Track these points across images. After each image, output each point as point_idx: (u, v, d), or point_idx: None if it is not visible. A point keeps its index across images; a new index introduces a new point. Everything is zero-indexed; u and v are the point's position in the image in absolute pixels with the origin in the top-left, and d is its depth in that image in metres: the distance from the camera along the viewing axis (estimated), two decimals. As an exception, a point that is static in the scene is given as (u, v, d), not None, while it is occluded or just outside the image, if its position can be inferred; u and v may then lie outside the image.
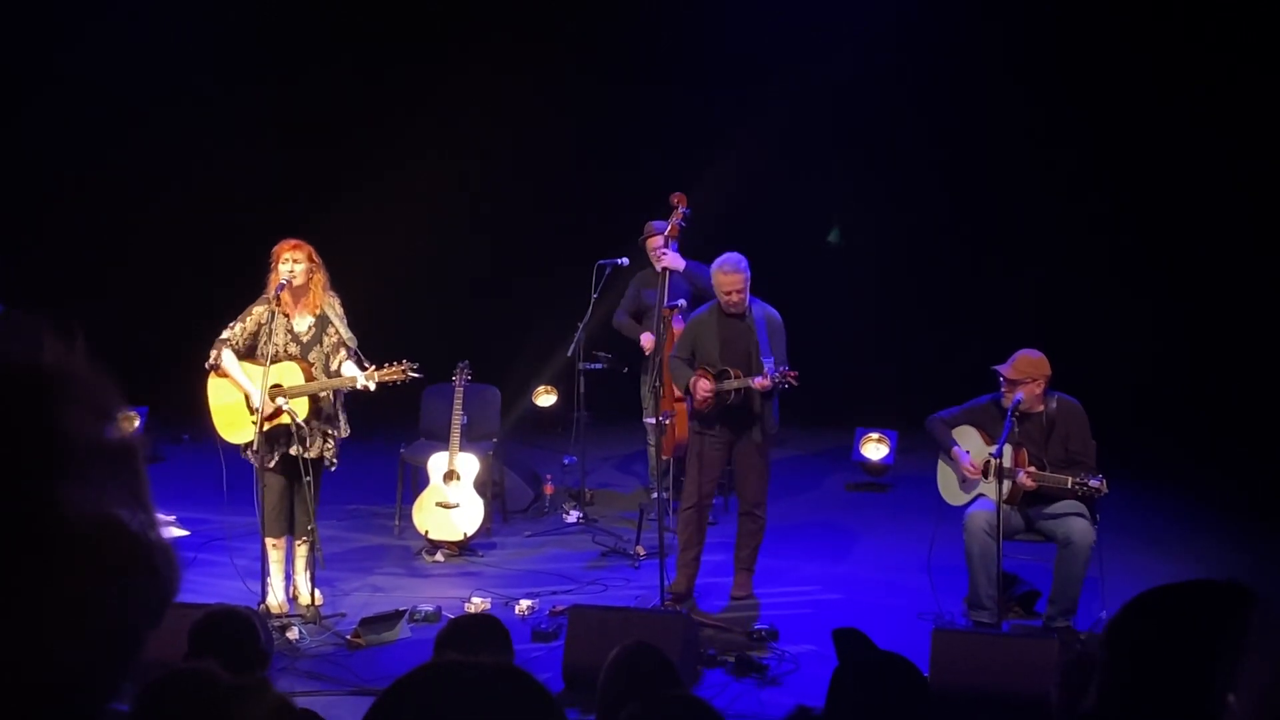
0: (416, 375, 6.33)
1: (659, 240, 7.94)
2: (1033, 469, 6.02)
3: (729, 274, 6.45)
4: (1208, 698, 1.32)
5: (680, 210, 7.86)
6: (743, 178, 10.85)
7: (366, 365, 6.29)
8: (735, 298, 6.45)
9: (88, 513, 0.82)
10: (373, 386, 6.22)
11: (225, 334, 6.30)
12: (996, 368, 6.23)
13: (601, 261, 8.21)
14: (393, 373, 6.24)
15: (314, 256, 6.32)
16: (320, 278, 6.35)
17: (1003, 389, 6.21)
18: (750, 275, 6.50)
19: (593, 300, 8.16)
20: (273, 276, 6.28)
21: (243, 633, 3.77)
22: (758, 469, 6.65)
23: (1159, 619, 1.47)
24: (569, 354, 8.41)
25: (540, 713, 1.38)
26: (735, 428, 6.57)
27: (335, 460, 6.44)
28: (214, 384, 6.36)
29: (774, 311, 6.63)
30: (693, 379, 6.48)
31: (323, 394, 6.32)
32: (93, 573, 0.82)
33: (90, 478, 0.83)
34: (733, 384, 6.41)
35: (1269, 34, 9.85)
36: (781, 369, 6.30)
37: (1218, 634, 1.37)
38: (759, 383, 6.31)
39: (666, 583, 6.38)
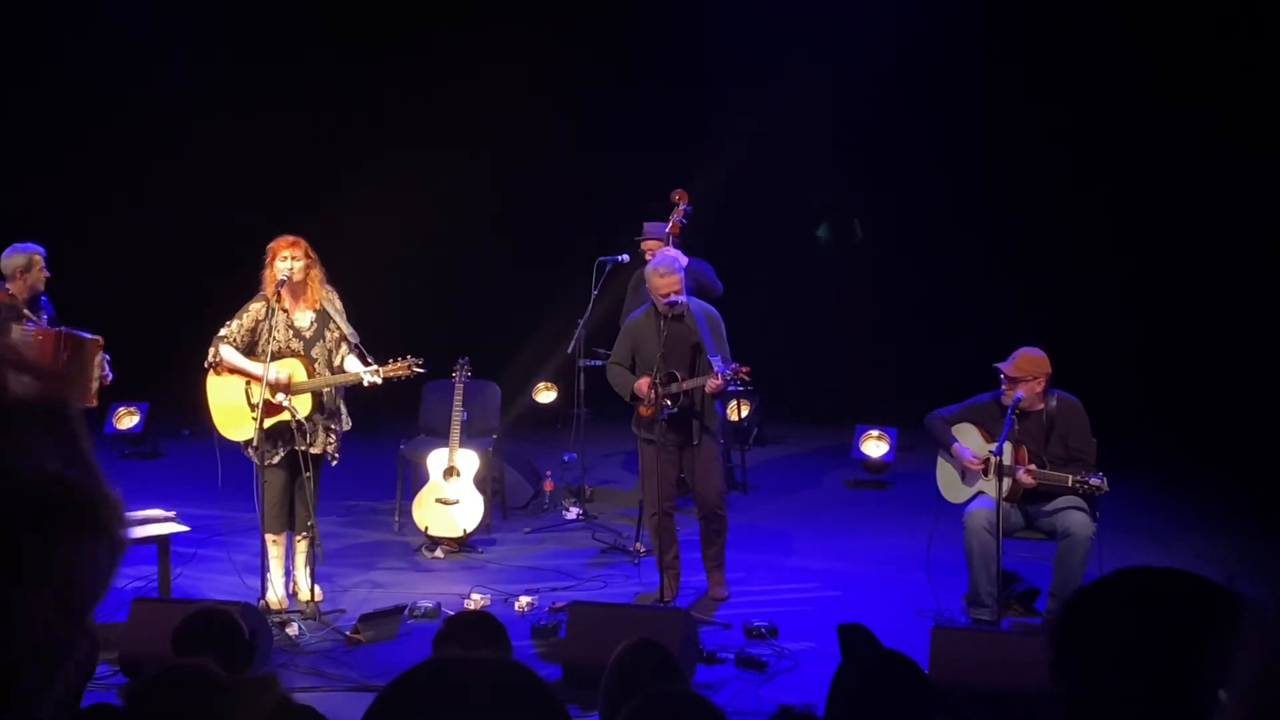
0: (421, 370, 6.35)
1: (652, 242, 7.94)
2: (1033, 466, 6.02)
3: (665, 275, 6.38)
4: (1188, 694, 1.30)
5: (681, 207, 7.84)
6: (743, 176, 10.86)
7: (370, 360, 6.29)
8: (675, 298, 6.39)
9: (30, 469, 0.82)
10: (379, 382, 6.23)
11: (223, 331, 6.30)
12: (998, 365, 6.23)
13: (602, 258, 8.21)
14: (398, 368, 6.26)
15: (310, 252, 6.32)
16: (317, 272, 6.36)
17: (1003, 387, 6.20)
18: (685, 275, 6.46)
19: (593, 297, 8.16)
20: (267, 273, 6.28)
21: (226, 630, 3.76)
22: (711, 467, 6.56)
23: (1110, 618, 1.41)
24: (569, 351, 8.41)
25: (541, 706, 1.38)
26: (683, 431, 6.51)
27: (337, 455, 6.45)
28: (213, 383, 6.35)
29: (711, 308, 6.58)
30: (640, 390, 6.42)
31: (325, 390, 6.33)
32: (43, 529, 0.82)
33: (26, 435, 0.83)
34: (684, 386, 6.35)
35: (1272, 32, 9.84)
36: (733, 366, 6.20)
37: (1188, 627, 1.34)
38: (712, 384, 6.24)
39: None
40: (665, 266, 6.44)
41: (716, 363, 6.22)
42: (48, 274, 6.80)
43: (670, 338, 6.44)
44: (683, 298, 6.44)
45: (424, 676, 1.36)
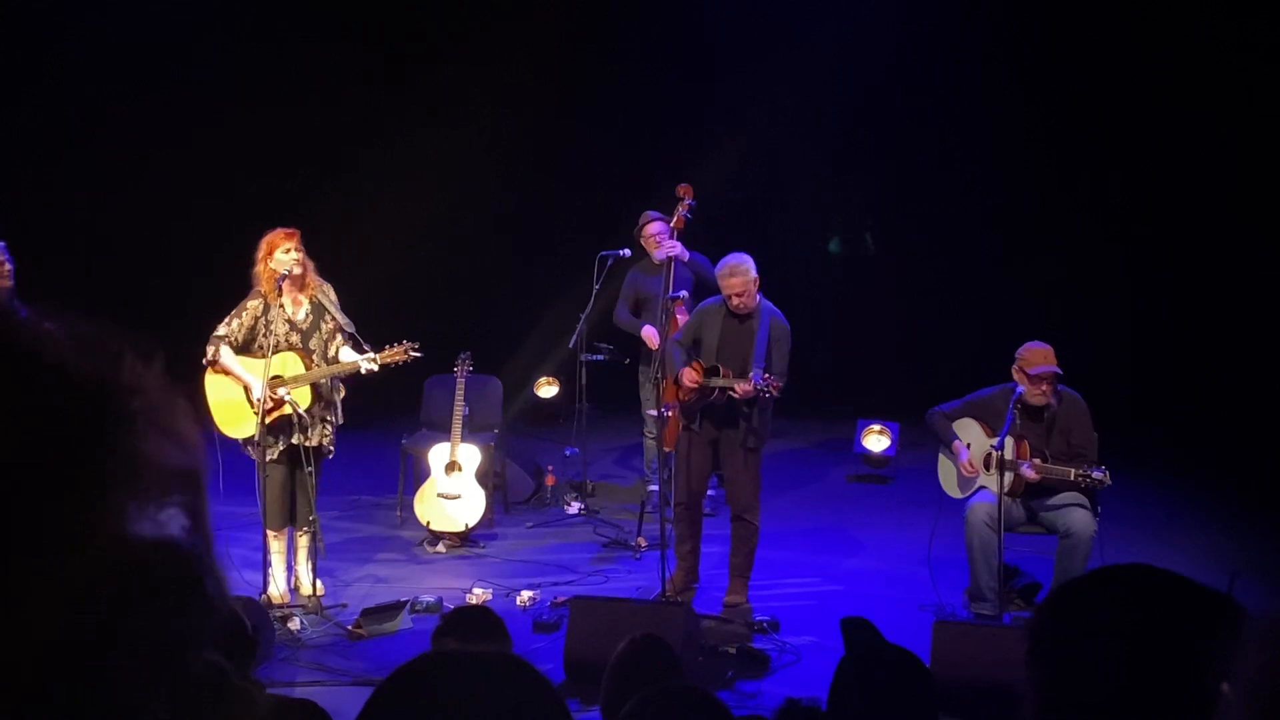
0: (418, 354, 6.34)
1: (658, 226, 7.92)
2: (1037, 461, 6.00)
3: (728, 278, 6.32)
4: (1164, 692, 1.29)
5: (686, 202, 7.82)
6: (746, 169, 10.85)
7: (366, 348, 6.29)
8: (737, 301, 6.33)
9: (145, 534, 0.82)
10: (376, 369, 6.23)
11: (221, 330, 6.27)
12: (1034, 371, 6.08)
13: (604, 253, 8.19)
14: (395, 354, 6.25)
15: (301, 242, 6.32)
16: (310, 263, 6.35)
17: (1043, 386, 6.07)
18: (757, 275, 6.36)
19: (595, 291, 8.14)
20: (262, 268, 6.26)
21: (229, 626, 3.77)
22: (746, 473, 6.51)
23: (1082, 617, 1.39)
24: (571, 345, 8.40)
25: (540, 699, 1.37)
26: (719, 426, 6.48)
27: (332, 448, 6.45)
28: (211, 380, 6.33)
29: (782, 318, 6.48)
30: (682, 369, 6.41)
31: (323, 381, 6.33)
32: (143, 594, 0.82)
33: (153, 499, 0.83)
34: (718, 382, 6.31)
35: (1272, 24, 9.82)
36: (766, 376, 6.13)
37: (1168, 626, 1.33)
38: (741, 388, 6.19)
39: (668, 574, 6.37)
40: (729, 269, 6.35)
41: (756, 371, 6.18)
42: (11, 266, 6.35)
43: (729, 334, 6.42)
44: (753, 298, 6.34)
45: (421, 671, 1.36)
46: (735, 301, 6.35)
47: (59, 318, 0.85)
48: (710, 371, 6.36)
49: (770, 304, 6.52)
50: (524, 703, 1.35)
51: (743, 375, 6.29)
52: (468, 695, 1.33)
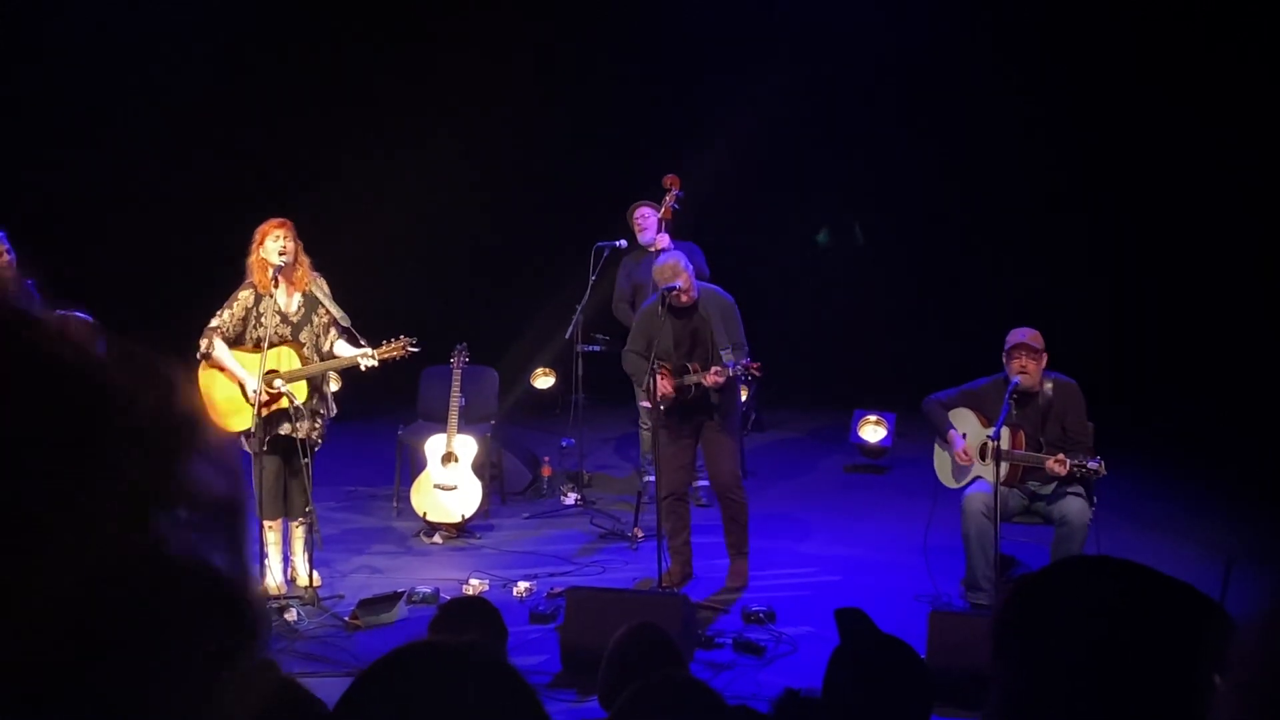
0: (415, 349, 6.33)
1: (646, 209, 7.93)
2: (1061, 456, 5.97)
3: (669, 280, 6.34)
4: (1127, 687, 1.29)
5: (674, 192, 7.82)
6: (742, 161, 10.84)
7: (361, 342, 6.28)
8: (685, 298, 6.39)
9: (185, 554, 0.82)
10: (375, 364, 6.23)
11: (214, 322, 6.24)
12: (1008, 345, 6.13)
13: (600, 244, 8.20)
14: (393, 349, 6.25)
15: (297, 234, 6.30)
16: (303, 255, 6.34)
17: (1024, 362, 6.10)
18: (693, 268, 6.44)
19: (591, 282, 8.15)
20: (253, 259, 6.24)
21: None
22: (725, 450, 6.58)
23: (1049, 608, 1.38)
24: (567, 336, 8.40)
25: (511, 692, 1.37)
26: (697, 418, 6.55)
27: (320, 441, 6.43)
28: (206, 374, 6.31)
29: (723, 294, 6.54)
30: (650, 382, 6.40)
31: (318, 375, 6.32)
32: (183, 611, 0.82)
33: (195, 523, 0.83)
34: (691, 379, 6.37)
35: (1259, 24, 9.82)
36: (744, 362, 6.20)
37: (1130, 619, 1.33)
38: (711, 380, 6.26)
39: (664, 567, 6.38)
40: (669, 270, 6.38)
41: (730, 360, 6.22)
42: (12, 257, 6.25)
43: (682, 329, 6.45)
44: (693, 293, 6.40)
45: (397, 662, 1.36)
46: (684, 299, 6.37)
47: (112, 334, 0.84)
48: (679, 370, 6.40)
49: (706, 285, 6.59)
50: (494, 693, 1.35)
51: (705, 365, 6.34)
52: (439, 686, 1.33)
